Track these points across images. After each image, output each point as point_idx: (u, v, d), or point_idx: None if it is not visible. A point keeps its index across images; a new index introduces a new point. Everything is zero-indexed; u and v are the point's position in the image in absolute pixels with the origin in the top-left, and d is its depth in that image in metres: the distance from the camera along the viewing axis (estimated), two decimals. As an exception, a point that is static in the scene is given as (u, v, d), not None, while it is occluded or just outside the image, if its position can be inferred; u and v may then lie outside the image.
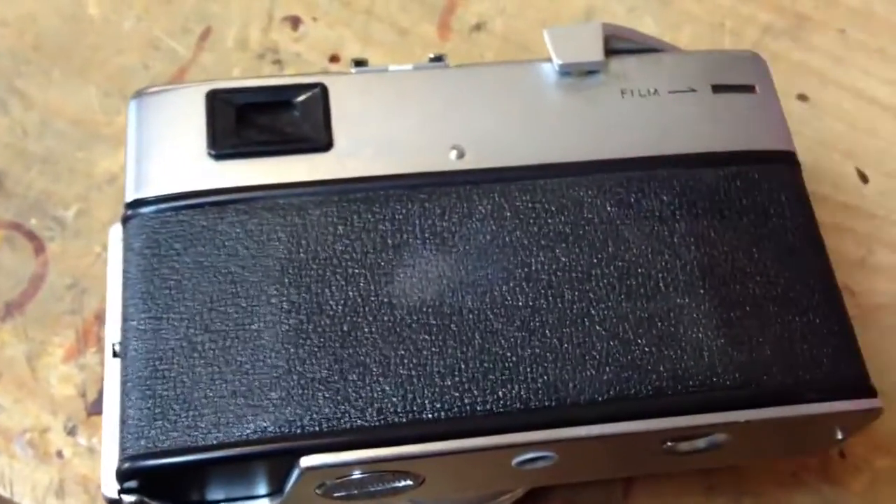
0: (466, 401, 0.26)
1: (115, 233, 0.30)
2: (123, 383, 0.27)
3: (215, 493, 0.28)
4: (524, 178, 0.29)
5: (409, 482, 0.27)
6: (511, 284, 0.28)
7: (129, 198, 0.29)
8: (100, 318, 0.35)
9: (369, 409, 0.26)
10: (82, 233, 0.37)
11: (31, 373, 0.35)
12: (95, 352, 0.36)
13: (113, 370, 0.28)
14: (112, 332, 0.28)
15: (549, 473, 0.28)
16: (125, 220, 0.29)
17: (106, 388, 0.28)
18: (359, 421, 0.26)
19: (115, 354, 0.28)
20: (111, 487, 0.26)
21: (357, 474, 0.26)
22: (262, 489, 0.28)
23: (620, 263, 0.28)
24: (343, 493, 0.27)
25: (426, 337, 0.27)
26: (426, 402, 0.26)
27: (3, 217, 0.37)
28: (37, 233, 0.37)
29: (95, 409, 0.35)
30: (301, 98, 0.30)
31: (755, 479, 0.33)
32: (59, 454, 0.35)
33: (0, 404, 0.34)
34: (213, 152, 0.29)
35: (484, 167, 0.29)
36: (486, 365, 0.27)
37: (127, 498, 0.26)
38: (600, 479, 0.32)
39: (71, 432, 0.35)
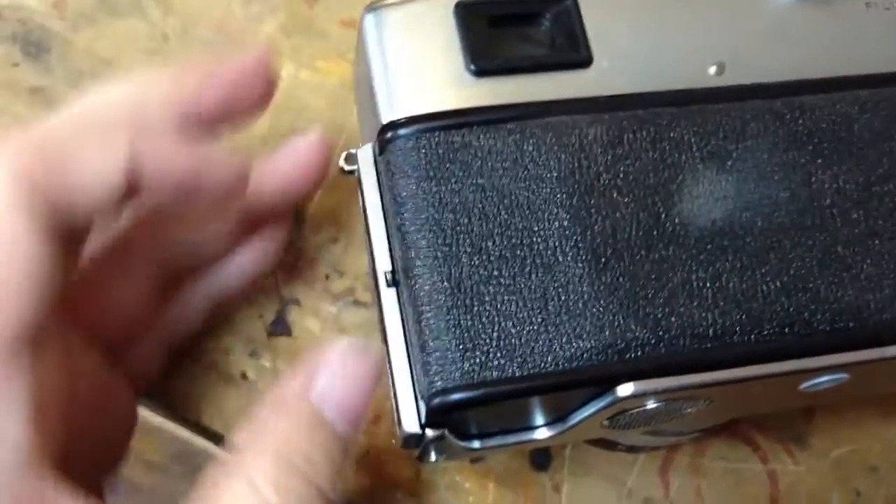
0: (775, 323, 0.26)
1: (366, 155, 0.28)
2: (418, 314, 0.25)
3: (497, 425, 0.28)
4: (786, 94, 0.29)
5: (696, 407, 0.27)
6: (797, 204, 0.27)
7: (386, 119, 0.27)
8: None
9: (682, 335, 0.25)
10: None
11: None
12: (270, 275, 0.35)
13: (388, 300, 0.27)
14: (381, 261, 0.27)
15: (829, 394, 0.28)
16: (385, 142, 0.27)
17: (388, 320, 0.26)
18: (673, 346, 0.25)
19: (388, 284, 0.27)
20: (413, 422, 0.25)
21: (654, 402, 0.26)
22: (541, 420, 0.27)
23: (897, 181, 0.28)
24: (627, 421, 0.27)
25: (725, 258, 0.26)
26: (736, 325, 0.26)
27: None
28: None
29: (275, 329, 0.34)
30: (552, 10, 0.29)
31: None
32: (244, 376, 0.33)
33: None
34: (473, 68, 0.27)
35: (745, 83, 0.29)
36: (787, 286, 0.26)
37: (432, 432, 0.25)
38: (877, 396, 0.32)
39: (253, 354, 0.34)
